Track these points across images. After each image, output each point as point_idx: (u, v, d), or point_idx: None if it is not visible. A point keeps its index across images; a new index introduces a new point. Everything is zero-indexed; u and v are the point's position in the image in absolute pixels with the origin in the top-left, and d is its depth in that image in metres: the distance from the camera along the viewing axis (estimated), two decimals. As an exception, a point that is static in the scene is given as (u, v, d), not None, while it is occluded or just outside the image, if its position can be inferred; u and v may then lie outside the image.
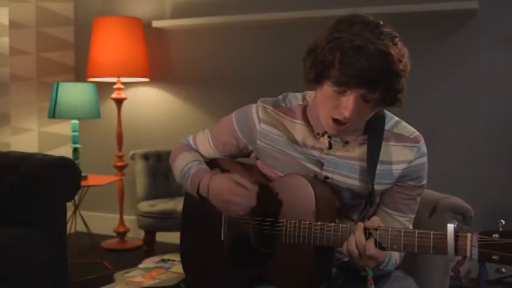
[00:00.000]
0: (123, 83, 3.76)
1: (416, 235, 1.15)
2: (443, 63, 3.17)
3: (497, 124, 3.07)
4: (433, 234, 1.13)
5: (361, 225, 1.20)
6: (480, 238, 1.08)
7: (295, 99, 1.46)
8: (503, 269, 1.10)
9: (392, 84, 1.21)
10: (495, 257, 1.06)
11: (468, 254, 1.09)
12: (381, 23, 1.23)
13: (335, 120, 1.27)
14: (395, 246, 1.17)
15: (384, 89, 1.21)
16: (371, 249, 1.17)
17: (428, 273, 1.52)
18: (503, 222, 1.09)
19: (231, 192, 1.34)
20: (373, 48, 1.16)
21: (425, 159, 1.37)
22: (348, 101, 1.22)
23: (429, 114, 3.18)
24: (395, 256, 1.35)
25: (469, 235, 1.09)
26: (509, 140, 3.05)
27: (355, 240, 1.19)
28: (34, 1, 3.93)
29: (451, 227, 1.10)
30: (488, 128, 3.09)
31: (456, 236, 1.10)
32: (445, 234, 1.10)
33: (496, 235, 1.07)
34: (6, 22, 3.68)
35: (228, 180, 1.36)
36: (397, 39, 1.22)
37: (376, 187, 1.35)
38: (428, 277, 1.51)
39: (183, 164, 1.52)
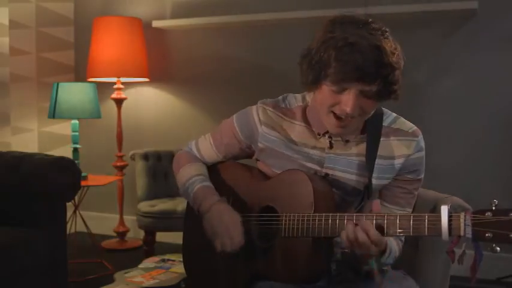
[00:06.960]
0: (123, 83, 3.76)
1: (412, 218, 1.17)
2: (443, 63, 3.17)
3: (497, 124, 3.07)
4: (428, 216, 1.16)
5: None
6: (473, 217, 1.10)
7: (294, 100, 1.49)
8: (498, 248, 1.10)
9: (387, 76, 1.23)
10: (489, 235, 1.08)
11: (462, 233, 1.10)
12: (370, 20, 1.27)
13: (337, 118, 1.29)
14: (391, 231, 1.19)
15: (381, 81, 1.23)
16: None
17: (428, 274, 1.52)
18: (496, 201, 1.11)
19: (220, 229, 1.39)
20: (367, 44, 1.20)
21: (423, 153, 1.39)
22: (348, 98, 1.24)
23: (429, 114, 3.18)
24: (395, 249, 1.36)
25: (462, 214, 1.11)
26: (510, 140, 3.05)
27: (362, 227, 1.20)
28: (34, 1, 3.92)
29: (444, 207, 1.12)
30: (488, 128, 3.09)
31: (450, 217, 1.12)
32: (439, 216, 1.12)
33: (489, 213, 1.09)
34: (6, 22, 3.68)
35: (226, 216, 1.40)
36: (387, 34, 1.26)
37: (378, 181, 1.38)
38: (428, 277, 1.52)
39: (182, 181, 1.56)
